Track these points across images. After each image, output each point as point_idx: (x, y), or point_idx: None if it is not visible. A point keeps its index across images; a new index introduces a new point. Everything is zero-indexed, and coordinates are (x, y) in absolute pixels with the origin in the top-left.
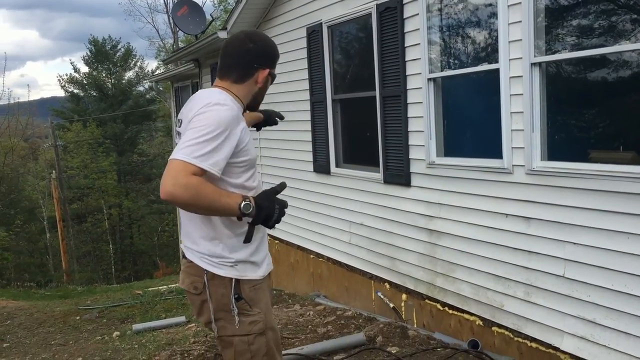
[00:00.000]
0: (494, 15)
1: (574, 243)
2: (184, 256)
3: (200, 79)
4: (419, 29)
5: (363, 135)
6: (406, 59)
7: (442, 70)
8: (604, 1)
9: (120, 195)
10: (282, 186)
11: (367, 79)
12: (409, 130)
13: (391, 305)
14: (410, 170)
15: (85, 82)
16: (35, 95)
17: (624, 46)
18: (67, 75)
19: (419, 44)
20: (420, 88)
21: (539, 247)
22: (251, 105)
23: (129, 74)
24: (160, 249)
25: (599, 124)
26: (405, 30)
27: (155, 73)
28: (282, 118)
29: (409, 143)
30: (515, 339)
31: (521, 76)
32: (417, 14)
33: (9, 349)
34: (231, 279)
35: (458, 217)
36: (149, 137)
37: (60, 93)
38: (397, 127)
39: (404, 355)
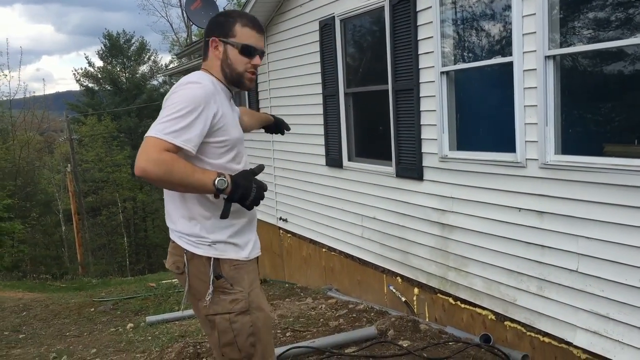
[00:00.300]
0: (507, 7)
1: (588, 237)
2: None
3: None
4: (432, 21)
5: (375, 129)
6: (419, 52)
7: (455, 64)
8: None
9: (134, 188)
10: (260, 168)
11: (380, 72)
12: (421, 123)
13: (403, 299)
14: (423, 164)
15: (99, 76)
16: (50, 90)
17: None
18: (82, 69)
19: (432, 37)
20: (433, 81)
21: (552, 241)
22: (230, 81)
23: (143, 68)
24: None
25: (614, 118)
26: (418, 23)
27: (169, 67)
28: (288, 129)
29: (422, 137)
30: (528, 333)
31: (535, 69)
32: (430, 7)
33: (25, 340)
34: (210, 257)
35: (471, 211)
36: None
37: (76, 87)
38: (410, 120)
39: (416, 349)
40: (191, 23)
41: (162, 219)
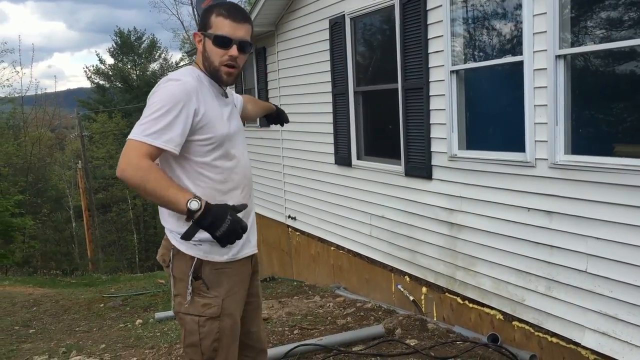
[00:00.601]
0: (518, 6)
1: (597, 238)
2: None
3: None
4: (442, 20)
5: (384, 128)
6: (429, 51)
7: (465, 63)
8: None
9: None
10: (243, 206)
11: (389, 71)
12: (430, 122)
13: (411, 298)
14: (432, 163)
15: (110, 73)
16: (62, 87)
17: None
18: (93, 66)
19: (442, 35)
20: (443, 80)
21: (561, 241)
22: (211, 75)
23: (154, 66)
24: None
25: (624, 118)
26: (428, 22)
27: (180, 65)
28: (287, 122)
29: (431, 136)
30: (536, 333)
31: (545, 69)
32: (441, 6)
33: (35, 335)
34: (193, 257)
35: (479, 210)
36: None
37: (87, 84)
38: (419, 119)
39: (423, 348)
40: None
41: None
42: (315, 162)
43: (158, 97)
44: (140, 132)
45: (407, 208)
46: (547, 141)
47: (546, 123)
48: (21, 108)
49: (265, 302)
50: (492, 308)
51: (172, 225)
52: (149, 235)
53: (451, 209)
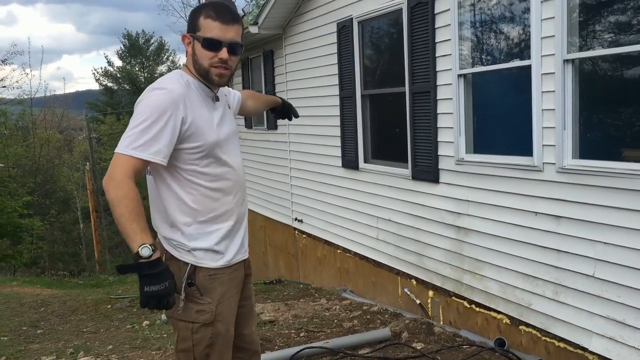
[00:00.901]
0: (526, 10)
1: (605, 243)
2: None
3: None
4: (449, 24)
5: (392, 131)
6: (436, 55)
7: (472, 67)
8: None
9: None
10: (179, 291)
11: (397, 74)
12: (438, 126)
13: (417, 301)
14: (439, 167)
15: (119, 75)
16: (70, 88)
17: None
18: (101, 68)
19: (450, 39)
20: (451, 84)
21: (569, 246)
22: (202, 77)
23: (162, 68)
24: None
25: (633, 122)
26: (436, 26)
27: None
28: (297, 116)
29: (438, 139)
30: (543, 338)
31: (553, 73)
32: (448, 10)
33: (43, 335)
34: (186, 263)
35: (486, 214)
36: None
37: (95, 86)
38: (426, 123)
39: (430, 351)
40: None
41: None
42: (322, 164)
43: (143, 108)
44: (127, 145)
45: (414, 211)
46: (554, 145)
47: (554, 127)
48: (30, 110)
49: (271, 304)
50: (498, 312)
51: (165, 233)
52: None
53: (458, 213)
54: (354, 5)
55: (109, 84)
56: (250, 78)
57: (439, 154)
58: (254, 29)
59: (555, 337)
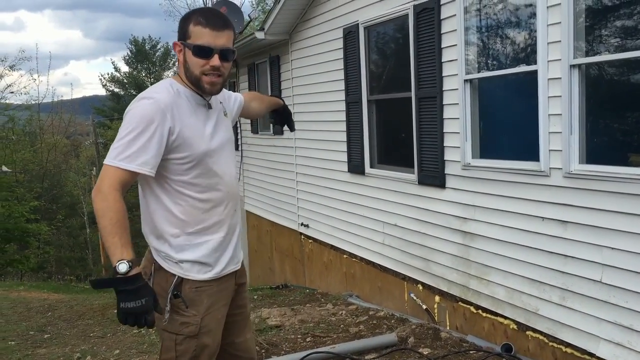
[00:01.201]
0: (532, 16)
1: (612, 248)
2: None
3: (237, 79)
4: (456, 30)
5: (398, 136)
6: (442, 60)
7: (478, 72)
8: None
9: None
10: (159, 308)
11: (403, 79)
12: (444, 131)
13: (424, 306)
14: (445, 172)
15: (125, 81)
16: (77, 94)
17: None
18: (108, 74)
19: (456, 45)
20: (457, 89)
21: (576, 251)
22: (194, 85)
23: (168, 73)
24: None
25: None
26: (442, 32)
27: None
28: (292, 130)
29: (444, 144)
30: (550, 343)
31: (560, 78)
32: (455, 15)
33: (50, 340)
34: (173, 274)
35: (493, 219)
36: None
37: (102, 92)
38: (433, 128)
39: (436, 357)
40: None
41: None
42: (328, 169)
43: (131, 118)
44: (115, 157)
45: (420, 216)
46: (561, 150)
47: (561, 132)
48: (38, 115)
49: (277, 309)
50: (505, 317)
51: (153, 243)
52: None
53: (464, 218)
54: (360, 11)
55: (116, 90)
56: (257, 83)
57: (445, 159)
58: (260, 35)
59: (562, 342)
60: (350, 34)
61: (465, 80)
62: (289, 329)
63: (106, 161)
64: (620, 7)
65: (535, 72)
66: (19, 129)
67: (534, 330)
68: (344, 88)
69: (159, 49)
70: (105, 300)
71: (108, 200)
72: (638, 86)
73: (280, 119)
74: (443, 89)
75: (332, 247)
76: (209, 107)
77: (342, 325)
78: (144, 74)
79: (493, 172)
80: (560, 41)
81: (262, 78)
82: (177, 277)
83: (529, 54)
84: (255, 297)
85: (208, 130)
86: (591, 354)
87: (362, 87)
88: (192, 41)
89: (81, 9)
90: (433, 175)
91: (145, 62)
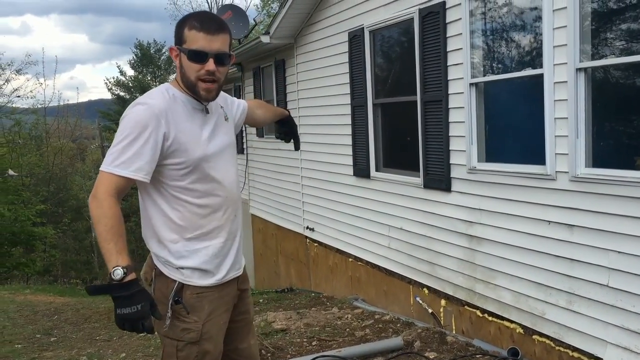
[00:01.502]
0: (538, 19)
1: (619, 252)
2: None
3: (242, 83)
4: (461, 33)
5: (403, 140)
6: (448, 64)
7: (484, 75)
8: None
9: None
10: (157, 314)
11: (408, 83)
12: (450, 135)
13: (430, 310)
14: (451, 176)
15: (131, 85)
16: (83, 98)
17: None
18: (114, 78)
19: (461, 48)
20: (462, 93)
21: (582, 255)
22: (190, 91)
23: (173, 77)
24: None
25: None
26: (447, 35)
27: None
28: (297, 148)
29: (450, 148)
30: (557, 348)
31: (566, 81)
32: (460, 19)
33: (56, 343)
34: (174, 280)
35: (499, 223)
36: None
37: (107, 95)
38: (438, 131)
39: None
40: None
41: None
42: (333, 173)
43: (125, 124)
44: (110, 163)
45: (425, 220)
46: (567, 154)
47: (567, 136)
48: (44, 119)
49: (283, 313)
50: (511, 321)
51: (154, 249)
52: None
53: (470, 222)
54: (365, 15)
55: (121, 93)
56: (262, 87)
57: (450, 162)
58: (265, 39)
59: (569, 346)
60: (355, 38)
61: (471, 84)
62: (295, 333)
63: (102, 167)
64: (626, 10)
65: (541, 76)
66: (25, 132)
67: (541, 335)
68: (349, 92)
69: (164, 52)
70: (111, 303)
71: (103, 207)
72: None
73: (285, 129)
74: (449, 93)
75: (338, 250)
76: (207, 111)
77: (347, 329)
78: (149, 78)
79: (499, 175)
80: (566, 45)
81: (268, 82)
82: (177, 282)
83: (534, 57)
84: (261, 300)
85: (205, 135)
86: (598, 358)
87: (368, 91)
88: (187, 46)
89: (87, 13)
90: (439, 179)
91: (151, 66)
